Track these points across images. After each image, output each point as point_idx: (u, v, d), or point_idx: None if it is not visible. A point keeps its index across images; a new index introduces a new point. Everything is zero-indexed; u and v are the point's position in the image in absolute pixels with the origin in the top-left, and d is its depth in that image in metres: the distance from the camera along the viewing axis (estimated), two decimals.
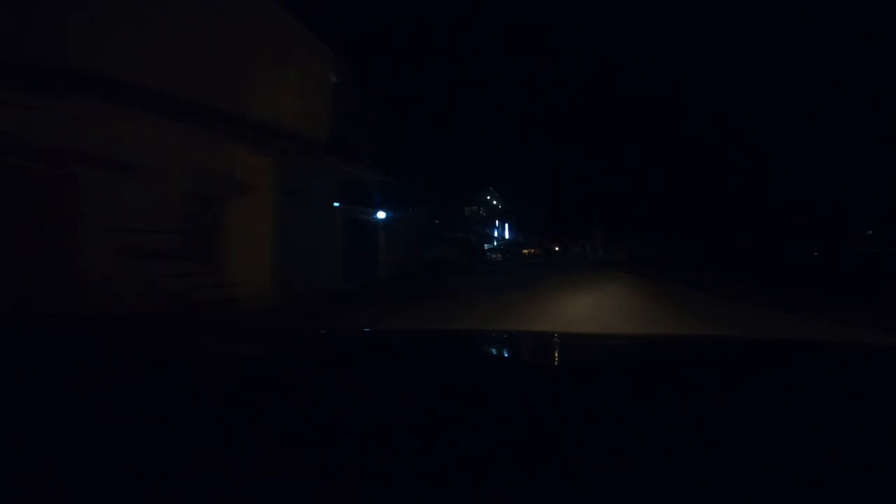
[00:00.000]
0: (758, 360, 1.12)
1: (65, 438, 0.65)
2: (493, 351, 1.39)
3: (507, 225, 60.38)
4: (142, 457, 0.59)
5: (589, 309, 8.54)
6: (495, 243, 49.92)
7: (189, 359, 0.96)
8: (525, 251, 60.81)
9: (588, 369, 1.04)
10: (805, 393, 0.77)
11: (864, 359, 1.10)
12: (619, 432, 0.60)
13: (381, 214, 16.98)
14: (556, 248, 70.41)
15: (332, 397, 0.73)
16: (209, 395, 0.77)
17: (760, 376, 0.92)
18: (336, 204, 13.03)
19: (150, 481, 0.55)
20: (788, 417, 0.64)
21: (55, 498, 0.53)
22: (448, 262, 22.74)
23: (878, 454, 0.54)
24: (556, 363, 1.17)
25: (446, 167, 31.14)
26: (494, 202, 55.20)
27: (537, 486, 0.50)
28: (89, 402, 0.76)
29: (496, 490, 0.49)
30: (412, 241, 21.44)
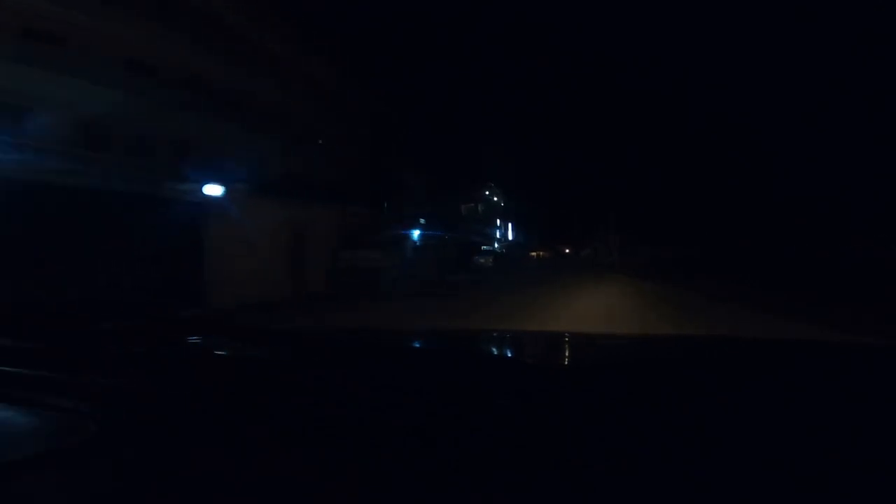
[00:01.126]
0: (758, 360, 1.12)
1: (64, 438, 0.65)
2: (493, 351, 1.39)
3: (510, 225, 58.89)
4: (142, 457, 0.59)
5: None
6: (496, 245, 47.85)
7: (189, 359, 0.96)
8: (533, 253, 59.85)
9: (588, 369, 1.04)
10: (805, 393, 0.77)
11: (864, 359, 1.10)
12: (619, 432, 0.60)
13: (213, 190, 9.04)
14: (567, 251, 69.84)
15: (332, 397, 0.73)
16: (209, 395, 0.77)
17: (760, 376, 0.92)
18: None
19: (150, 481, 0.55)
20: (788, 417, 0.64)
21: (55, 498, 0.53)
22: (386, 275, 13.78)
23: (878, 454, 0.54)
24: (556, 363, 1.17)
25: (441, 162, 27.21)
26: (496, 199, 51.65)
27: (537, 486, 0.50)
28: (89, 401, 0.76)
29: (496, 490, 0.49)
30: (347, 245, 13.69)
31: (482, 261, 30.35)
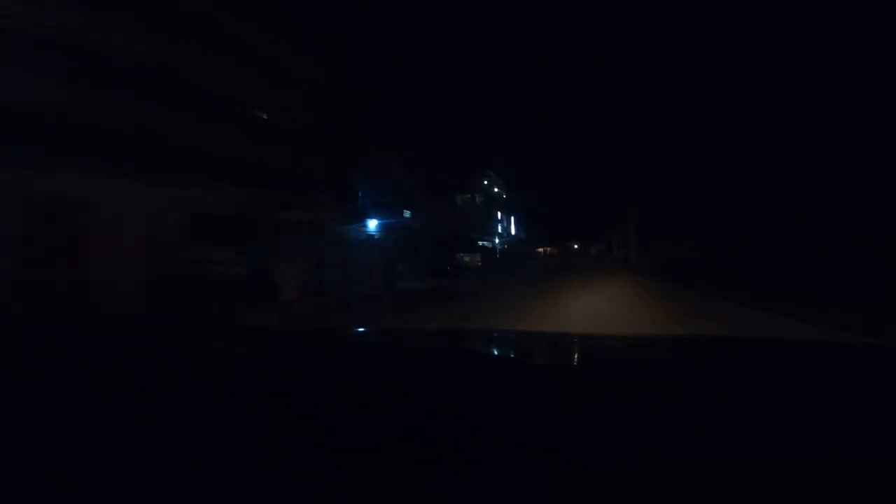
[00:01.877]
0: (758, 360, 1.12)
1: (65, 438, 0.65)
2: (494, 351, 1.39)
3: (512, 218, 56.74)
4: (142, 457, 0.59)
5: None
6: (496, 240, 46.63)
7: (189, 359, 0.96)
8: (539, 250, 59.35)
9: (588, 369, 1.04)
10: (805, 393, 0.77)
11: (864, 359, 1.10)
12: (619, 432, 0.60)
13: None
14: (575, 246, 70.11)
15: (332, 397, 0.73)
16: (209, 395, 0.77)
17: (760, 376, 0.92)
18: None
19: (150, 481, 0.55)
20: (788, 417, 0.64)
21: (56, 498, 0.53)
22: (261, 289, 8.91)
23: (878, 454, 0.54)
24: (556, 363, 1.17)
25: (428, 146, 23.63)
26: (496, 189, 47.66)
27: (537, 486, 0.50)
28: (89, 401, 0.76)
29: (496, 490, 0.49)
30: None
31: (468, 259, 24.34)
